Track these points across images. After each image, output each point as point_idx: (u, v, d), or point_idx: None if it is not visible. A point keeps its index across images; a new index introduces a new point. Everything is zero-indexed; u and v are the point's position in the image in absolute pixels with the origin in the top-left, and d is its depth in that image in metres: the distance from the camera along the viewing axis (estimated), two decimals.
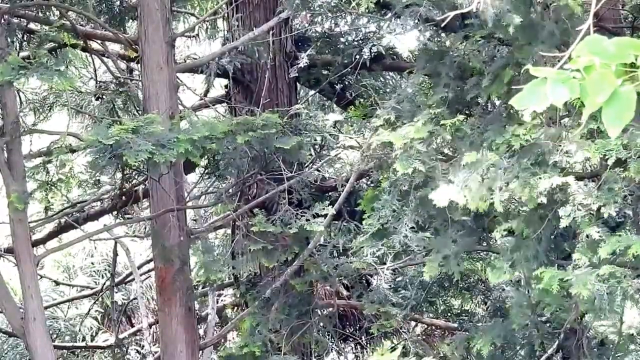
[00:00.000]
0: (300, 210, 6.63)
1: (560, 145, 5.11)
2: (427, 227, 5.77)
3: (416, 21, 6.04)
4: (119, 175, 7.80)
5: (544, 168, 5.08)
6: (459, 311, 8.48)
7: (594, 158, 5.00)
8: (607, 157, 4.99)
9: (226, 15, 8.37)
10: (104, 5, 8.29)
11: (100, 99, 9.07)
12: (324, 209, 6.47)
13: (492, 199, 5.03)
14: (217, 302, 9.32)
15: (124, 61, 8.59)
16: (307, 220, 6.44)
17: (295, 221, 6.47)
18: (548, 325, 6.26)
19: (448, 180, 5.21)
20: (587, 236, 5.03)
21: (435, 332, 9.14)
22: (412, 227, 5.59)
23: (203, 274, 6.53)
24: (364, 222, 5.77)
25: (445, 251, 5.52)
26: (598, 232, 5.02)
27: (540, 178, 5.01)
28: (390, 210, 5.58)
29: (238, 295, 8.45)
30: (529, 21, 5.51)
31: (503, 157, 5.20)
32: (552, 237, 5.53)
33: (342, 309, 8.55)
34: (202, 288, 9.02)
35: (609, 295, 4.97)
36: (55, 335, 11.14)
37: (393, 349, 6.32)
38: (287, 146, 6.41)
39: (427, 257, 5.64)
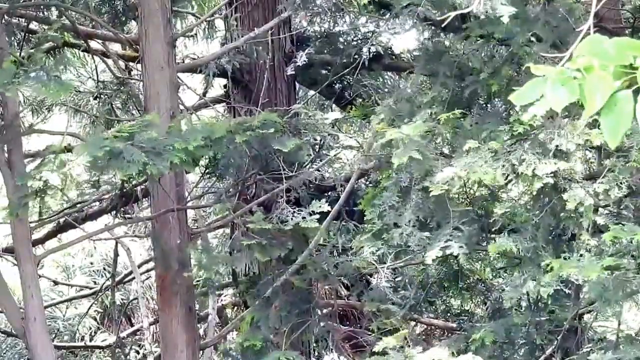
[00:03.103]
0: (298, 209, 6.64)
1: (560, 133, 5.14)
2: (429, 222, 5.77)
3: (415, 21, 6.06)
4: (118, 175, 7.79)
5: (547, 155, 5.11)
6: (458, 311, 8.47)
7: (595, 140, 5.02)
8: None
9: (225, 15, 8.37)
10: (106, 5, 8.29)
11: (99, 98, 9.07)
12: (320, 206, 6.47)
13: (494, 173, 5.04)
14: (218, 302, 9.32)
15: (124, 61, 8.60)
16: (303, 218, 6.44)
17: (292, 219, 6.48)
18: (548, 324, 6.27)
19: (449, 165, 5.25)
20: (590, 224, 5.06)
21: (435, 332, 9.14)
22: (414, 225, 5.60)
23: (203, 273, 6.53)
24: (365, 218, 5.78)
25: (446, 237, 5.51)
26: (601, 219, 5.06)
27: (545, 163, 5.03)
28: (390, 206, 5.59)
29: (238, 295, 8.45)
30: (525, 16, 5.52)
31: (505, 144, 5.24)
32: (552, 234, 5.55)
33: (341, 308, 8.56)
34: (202, 288, 9.00)
35: (613, 284, 5.00)
36: (54, 335, 11.14)
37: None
38: (285, 148, 6.40)
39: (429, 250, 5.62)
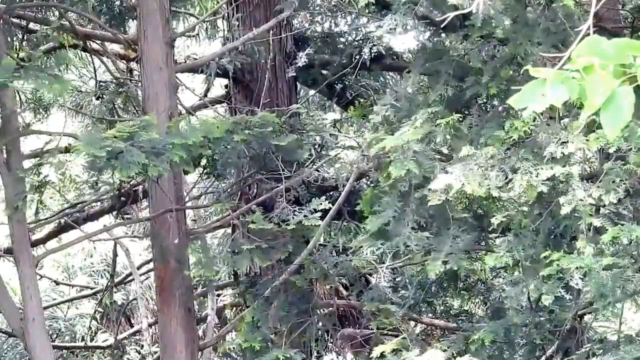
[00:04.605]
0: (298, 208, 6.63)
1: (557, 138, 5.13)
2: (428, 227, 5.77)
3: (415, 21, 6.04)
4: (117, 175, 7.78)
5: (542, 162, 5.09)
6: (458, 311, 8.46)
7: (593, 146, 5.01)
8: (608, 146, 5.00)
9: (226, 15, 8.37)
10: (104, 5, 8.28)
11: (99, 99, 9.06)
12: (321, 204, 6.46)
13: (488, 185, 5.04)
14: (217, 303, 9.31)
15: (124, 61, 8.59)
16: (305, 216, 6.43)
17: (293, 217, 6.47)
18: (548, 325, 6.26)
19: (446, 172, 5.24)
20: (590, 225, 5.04)
21: (435, 333, 9.13)
22: (413, 228, 5.59)
23: (199, 270, 6.51)
24: (364, 223, 5.77)
25: (447, 249, 5.51)
26: (600, 221, 5.05)
27: (541, 168, 5.02)
28: (392, 212, 5.58)
29: (237, 295, 8.45)
30: (525, 21, 5.51)
31: (500, 149, 5.23)
32: (552, 236, 5.54)
33: (341, 308, 8.55)
34: (201, 288, 8.99)
35: (612, 281, 4.99)
36: (55, 336, 11.14)
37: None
38: (283, 142, 6.40)
39: (428, 257, 5.63)
